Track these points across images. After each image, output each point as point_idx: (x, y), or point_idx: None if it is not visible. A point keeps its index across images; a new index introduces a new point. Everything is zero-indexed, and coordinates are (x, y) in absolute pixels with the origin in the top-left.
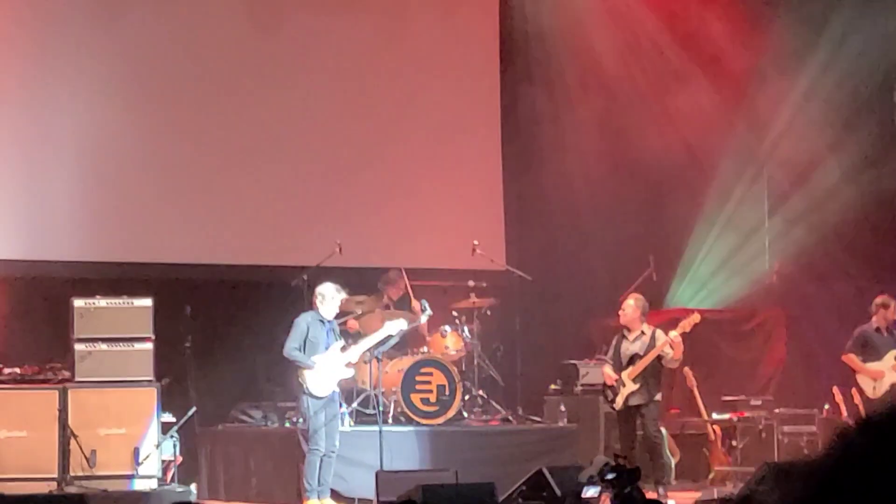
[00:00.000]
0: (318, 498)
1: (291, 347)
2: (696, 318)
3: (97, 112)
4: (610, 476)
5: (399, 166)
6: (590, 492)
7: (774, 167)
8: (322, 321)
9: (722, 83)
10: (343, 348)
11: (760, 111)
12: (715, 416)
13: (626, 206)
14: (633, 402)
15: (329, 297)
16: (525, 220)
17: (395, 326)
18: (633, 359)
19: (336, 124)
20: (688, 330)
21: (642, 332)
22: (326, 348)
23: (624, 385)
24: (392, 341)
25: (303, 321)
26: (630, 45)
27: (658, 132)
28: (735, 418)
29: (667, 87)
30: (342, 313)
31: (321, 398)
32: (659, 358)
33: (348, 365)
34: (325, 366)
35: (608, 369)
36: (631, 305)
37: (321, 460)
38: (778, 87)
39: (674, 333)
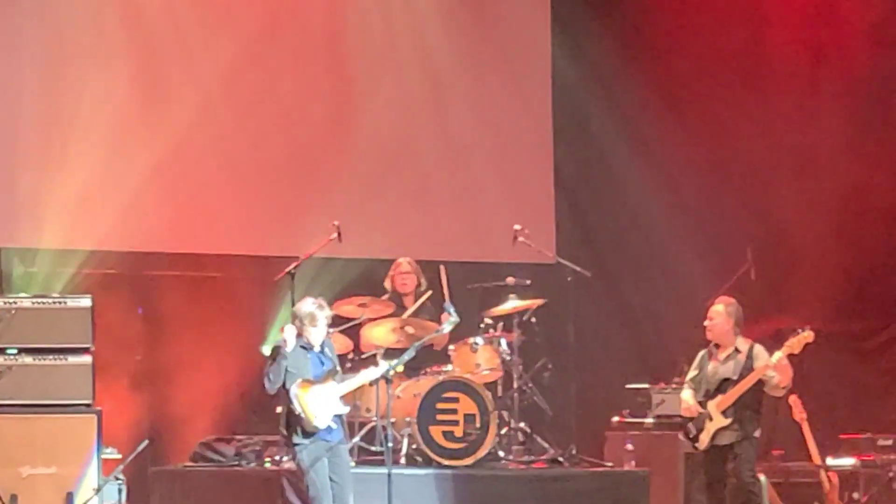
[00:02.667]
0: None
1: (267, 383)
2: (808, 335)
3: (48, 81)
4: None
5: (412, 132)
6: None
7: None
8: (306, 348)
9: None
10: (336, 377)
11: None
12: (831, 460)
13: (717, 185)
14: (723, 440)
15: (308, 316)
16: (582, 201)
17: (380, 370)
18: (723, 385)
19: (330, 87)
20: (797, 351)
21: (736, 350)
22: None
23: (711, 419)
24: (407, 356)
25: (281, 352)
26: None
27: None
28: (858, 463)
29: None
30: (344, 320)
31: (315, 432)
32: (759, 383)
33: (344, 400)
34: (318, 397)
35: (689, 397)
36: (721, 313)
37: None
38: None
39: (779, 355)
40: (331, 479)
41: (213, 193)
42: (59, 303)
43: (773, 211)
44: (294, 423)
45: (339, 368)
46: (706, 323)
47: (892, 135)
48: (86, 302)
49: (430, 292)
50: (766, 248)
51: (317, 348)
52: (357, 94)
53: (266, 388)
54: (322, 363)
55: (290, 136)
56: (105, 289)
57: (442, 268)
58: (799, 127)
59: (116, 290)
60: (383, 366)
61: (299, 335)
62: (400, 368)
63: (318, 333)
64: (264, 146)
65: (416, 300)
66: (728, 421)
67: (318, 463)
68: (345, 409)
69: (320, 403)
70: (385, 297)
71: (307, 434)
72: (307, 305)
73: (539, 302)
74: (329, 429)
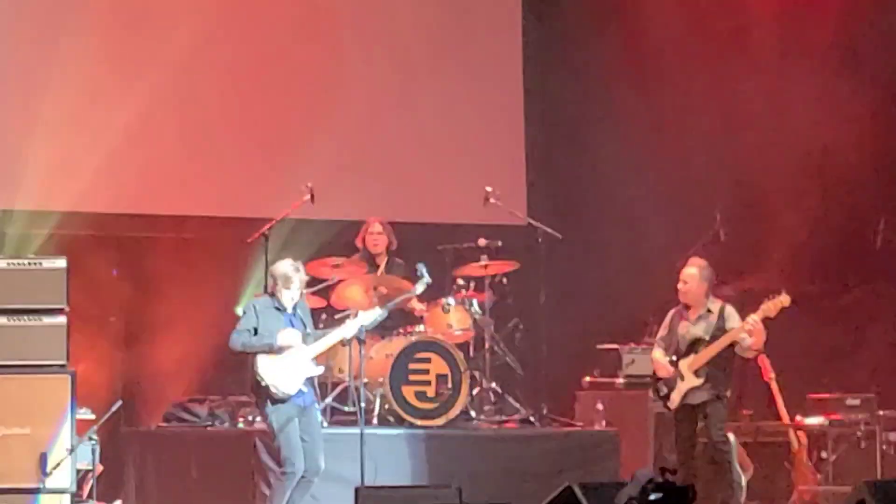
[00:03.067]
0: None
1: (235, 336)
2: (784, 300)
3: (22, 42)
4: (654, 496)
5: (383, 93)
6: None
7: None
8: (279, 309)
9: None
10: (307, 338)
11: None
12: (800, 419)
13: (687, 147)
14: (694, 400)
15: (283, 277)
16: (553, 163)
17: (368, 317)
18: (694, 345)
19: (302, 49)
20: (773, 315)
21: (708, 311)
22: None
23: (682, 378)
24: (378, 317)
25: (250, 309)
26: None
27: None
28: (826, 422)
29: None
30: (316, 280)
31: (284, 399)
32: (730, 344)
33: (317, 360)
34: (289, 360)
35: (661, 356)
36: (695, 276)
37: (299, 483)
38: None
39: (754, 318)
40: (302, 440)
41: (187, 155)
42: (34, 264)
43: (742, 173)
44: (262, 391)
45: (310, 331)
46: (680, 286)
47: (860, 99)
48: (60, 263)
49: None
50: (735, 210)
51: (289, 310)
52: (330, 58)
53: (230, 344)
54: (293, 326)
55: (264, 99)
56: (80, 250)
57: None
58: (768, 90)
59: (91, 251)
60: (354, 323)
61: (272, 295)
62: (373, 317)
63: (291, 295)
64: (239, 108)
65: (388, 260)
66: (700, 381)
67: (289, 424)
68: (317, 371)
69: (289, 369)
70: (356, 256)
71: (276, 400)
72: (284, 266)
73: (511, 265)
74: (300, 392)
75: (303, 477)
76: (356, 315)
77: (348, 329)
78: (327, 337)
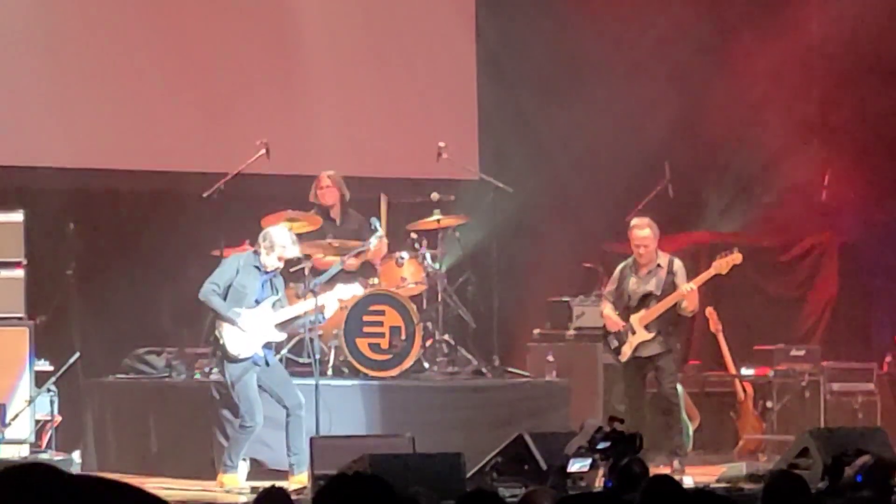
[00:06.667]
0: (297, 472)
1: (210, 290)
2: (736, 257)
3: None
4: (602, 445)
5: (339, 49)
6: (576, 465)
7: None
8: (259, 268)
9: None
10: (276, 304)
11: None
12: (745, 370)
13: (636, 98)
14: (645, 352)
15: (280, 245)
16: (504, 117)
17: (347, 292)
18: (645, 299)
19: (257, 5)
20: (724, 272)
21: (658, 266)
22: (257, 303)
23: (633, 332)
24: (334, 269)
25: (233, 263)
26: None
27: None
28: (771, 373)
29: None
30: None
31: (240, 361)
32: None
33: (280, 326)
34: (251, 323)
35: (611, 311)
36: (650, 237)
37: (288, 423)
38: None
39: (688, 286)
40: (271, 389)
41: (144, 109)
42: None
43: (690, 127)
44: (219, 347)
45: (281, 296)
46: (640, 250)
47: (805, 49)
48: (17, 217)
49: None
50: (684, 163)
51: (268, 272)
52: (285, 14)
53: (202, 293)
54: (266, 289)
55: (218, 54)
56: (38, 204)
57: (383, 197)
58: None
59: (49, 205)
60: (330, 296)
61: (255, 252)
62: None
63: (275, 263)
64: (194, 63)
65: (341, 212)
66: (651, 335)
67: (245, 379)
68: (278, 338)
69: (249, 332)
70: (312, 211)
71: (231, 359)
72: (284, 235)
73: (463, 219)
74: (256, 355)
75: (291, 415)
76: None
77: (307, 305)
78: (295, 306)
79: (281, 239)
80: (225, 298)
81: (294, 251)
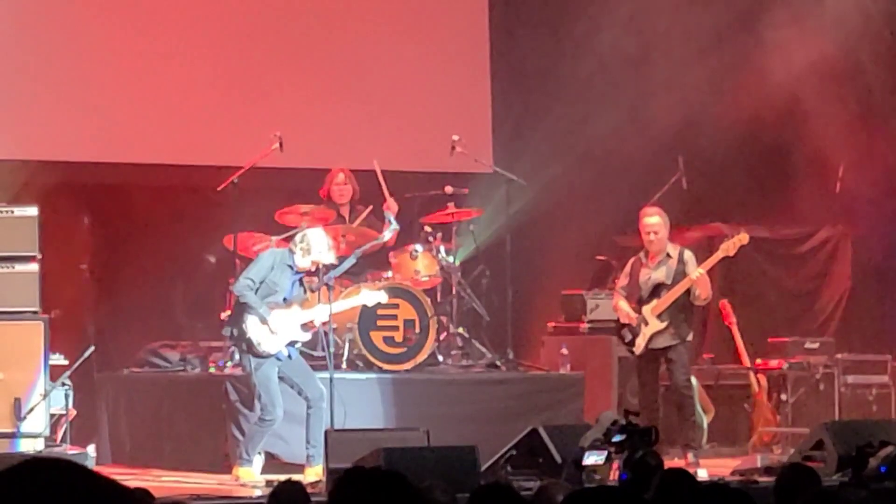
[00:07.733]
0: (314, 464)
1: (245, 285)
2: (742, 237)
3: None
4: (617, 438)
5: (352, 42)
6: (591, 458)
7: None
8: (291, 267)
9: None
10: (305, 304)
11: None
12: (760, 362)
13: (649, 91)
14: (658, 344)
15: (317, 250)
16: (518, 110)
17: (372, 298)
18: (657, 289)
19: (273, 3)
20: (732, 254)
21: (668, 255)
22: (285, 301)
23: (647, 323)
24: (348, 263)
25: (269, 259)
26: None
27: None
28: (785, 365)
29: None
30: (287, 228)
31: (264, 357)
32: (687, 291)
33: (306, 327)
34: (280, 323)
35: (624, 305)
36: (660, 224)
37: (309, 415)
38: None
39: (699, 271)
40: (292, 381)
41: (157, 104)
42: (6, 212)
43: (704, 119)
44: (245, 341)
45: (308, 299)
46: (652, 237)
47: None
48: (32, 211)
49: (371, 207)
50: (697, 156)
51: (299, 273)
52: (299, 8)
53: (236, 287)
54: (296, 288)
55: (233, 48)
56: (52, 199)
57: (376, 163)
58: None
59: (63, 199)
60: (356, 300)
61: (291, 252)
62: (377, 298)
63: (307, 265)
64: (208, 57)
65: (351, 210)
66: (663, 325)
67: (267, 369)
68: (304, 338)
69: (277, 331)
70: (323, 205)
71: (257, 354)
72: (321, 240)
73: (477, 212)
74: (280, 353)
75: (312, 407)
76: (359, 293)
77: (347, 305)
78: (322, 308)
79: (319, 244)
80: (256, 293)
81: (330, 257)
